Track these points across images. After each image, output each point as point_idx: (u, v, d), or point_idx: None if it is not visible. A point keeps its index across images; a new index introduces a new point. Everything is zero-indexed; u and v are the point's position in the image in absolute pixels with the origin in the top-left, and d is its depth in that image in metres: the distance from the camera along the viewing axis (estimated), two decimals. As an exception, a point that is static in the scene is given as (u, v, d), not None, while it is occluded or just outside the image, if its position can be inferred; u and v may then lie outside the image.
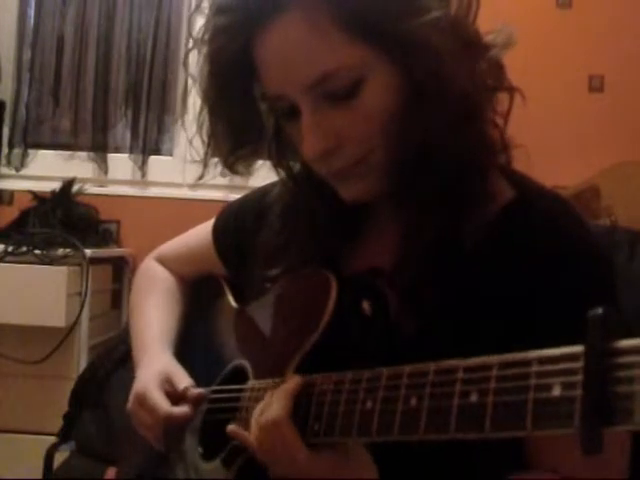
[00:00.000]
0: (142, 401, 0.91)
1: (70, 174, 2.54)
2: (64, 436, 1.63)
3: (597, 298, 0.71)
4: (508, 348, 0.52)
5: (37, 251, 2.10)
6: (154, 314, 1.06)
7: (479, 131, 0.75)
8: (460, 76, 0.70)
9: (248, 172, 0.86)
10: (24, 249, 2.10)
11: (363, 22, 0.68)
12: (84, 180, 2.56)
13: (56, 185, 2.46)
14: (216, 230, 1.04)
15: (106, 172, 2.71)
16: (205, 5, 0.76)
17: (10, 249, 2.10)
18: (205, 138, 0.82)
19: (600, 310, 0.45)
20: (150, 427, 0.91)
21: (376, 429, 0.58)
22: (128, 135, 2.74)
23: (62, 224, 2.32)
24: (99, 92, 2.73)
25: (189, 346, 1.02)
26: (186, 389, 0.90)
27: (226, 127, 0.80)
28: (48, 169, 2.70)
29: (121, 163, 2.72)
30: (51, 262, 2.08)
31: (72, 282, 2.07)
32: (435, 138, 0.71)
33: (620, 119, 2.51)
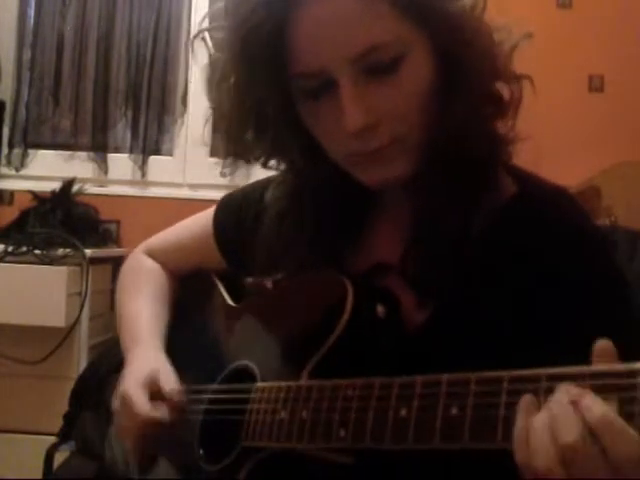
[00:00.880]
0: (124, 401, 0.87)
1: (70, 174, 2.54)
2: (64, 436, 1.64)
3: (603, 283, 0.73)
4: (518, 338, 0.52)
5: (37, 251, 2.10)
6: (144, 305, 1.03)
7: (498, 118, 0.76)
8: (489, 60, 0.73)
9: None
10: (24, 249, 2.10)
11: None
12: (84, 180, 2.56)
13: (56, 185, 2.46)
14: (217, 222, 1.02)
15: (106, 172, 2.71)
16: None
17: (10, 249, 2.10)
18: (228, 129, 0.83)
19: None
20: (129, 431, 0.87)
21: (413, 437, 0.57)
22: (128, 135, 2.73)
23: (62, 224, 2.32)
24: (99, 92, 2.73)
25: (179, 343, 0.99)
26: (172, 391, 0.86)
27: (252, 114, 0.79)
28: (48, 169, 2.70)
29: (121, 163, 2.71)
30: (51, 262, 2.08)
31: (72, 282, 2.06)
32: (467, 120, 0.72)
33: (620, 119, 2.51)
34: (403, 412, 0.58)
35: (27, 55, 2.76)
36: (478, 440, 0.52)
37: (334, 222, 0.82)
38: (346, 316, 0.71)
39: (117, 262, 2.50)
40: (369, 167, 0.75)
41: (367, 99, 0.71)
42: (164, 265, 1.08)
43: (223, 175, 2.66)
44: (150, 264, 1.09)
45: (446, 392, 0.55)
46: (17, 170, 2.72)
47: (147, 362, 0.92)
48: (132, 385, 0.87)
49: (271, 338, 0.83)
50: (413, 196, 0.79)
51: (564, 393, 0.50)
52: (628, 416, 0.45)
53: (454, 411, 0.54)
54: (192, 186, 2.71)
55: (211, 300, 0.99)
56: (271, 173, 0.93)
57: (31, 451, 1.89)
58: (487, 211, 0.75)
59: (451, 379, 0.56)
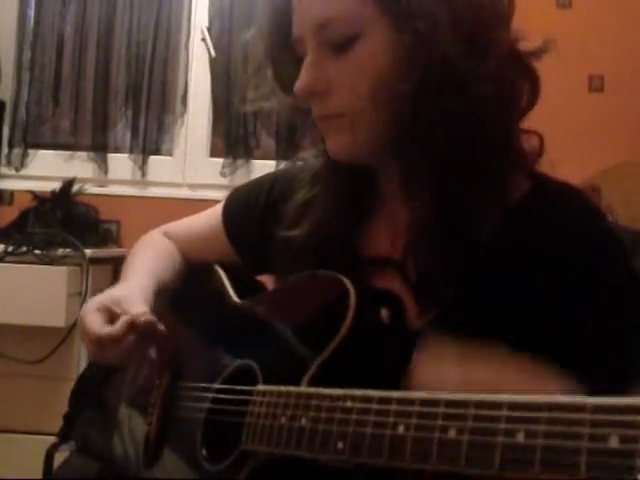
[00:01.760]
0: (81, 323, 0.91)
1: (70, 174, 2.54)
2: (64, 436, 1.63)
3: (615, 276, 0.73)
4: (525, 338, 0.51)
5: (37, 251, 2.10)
6: (150, 257, 1.04)
7: (471, 110, 0.73)
8: (454, 55, 0.71)
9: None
10: (24, 249, 2.10)
11: None
12: (84, 180, 2.56)
13: (56, 185, 2.46)
14: (226, 211, 1.03)
15: (106, 172, 2.71)
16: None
17: (10, 249, 2.10)
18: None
19: None
20: (90, 352, 0.91)
21: (410, 457, 0.56)
22: (128, 135, 2.73)
23: (62, 224, 2.32)
24: (99, 92, 2.73)
25: (181, 333, 0.98)
26: (129, 313, 0.87)
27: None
28: (48, 169, 2.70)
29: (121, 163, 2.72)
30: (51, 262, 2.08)
31: (72, 282, 2.07)
32: (419, 107, 0.73)
33: (620, 119, 2.51)
34: (400, 429, 0.57)
35: (27, 55, 2.76)
36: (474, 466, 0.51)
37: (347, 208, 0.84)
38: (350, 319, 0.70)
39: (117, 262, 2.50)
40: (326, 134, 0.80)
41: (320, 68, 0.76)
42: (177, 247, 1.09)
43: (223, 175, 2.67)
44: (164, 239, 1.10)
45: (444, 413, 0.55)
46: (17, 170, 2.72)
47: (117, 289, 0.94)
48: (88, 307, 0.91)
49: (273, 339, 0.82)
50: (406, 194, 0.80)
51: None
52: (630, 454, 0.44)
53: (452, 434, 0.53)
54: (192, 186, 2.71)
55: (216, 294, 0.98)
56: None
57: (31, 451, 1.89)
58: (497, 210, 0.74)
59: (449, 400, 0.56)
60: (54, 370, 2.10)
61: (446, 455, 0.52)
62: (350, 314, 0.70)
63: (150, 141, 2.72)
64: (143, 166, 2.70)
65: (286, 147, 2.60)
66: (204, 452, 0.83)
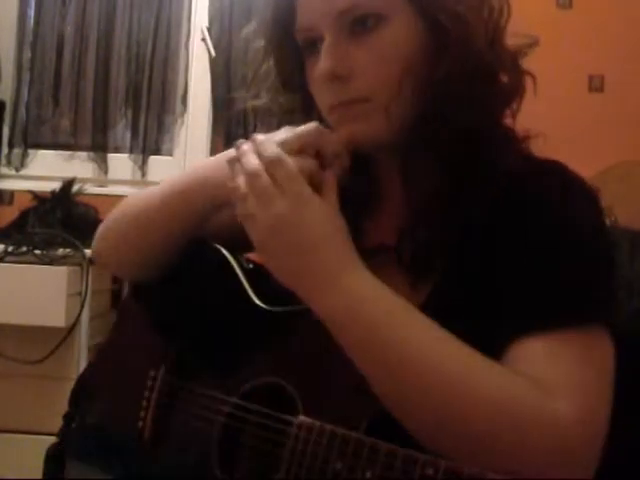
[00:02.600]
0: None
1: (70, 174, 2.54)
2: (64, 436, 1.63)
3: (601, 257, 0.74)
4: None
5: (37, 251, 2.09)
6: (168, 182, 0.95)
7: (490, 98, 0.77)
8: (480, 41, 0.73)
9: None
10: (24, 249, 2.10)
11: None
12: (84, 180, 2.55)
13: (56, 185, 2.45)
14: None
15: (106, 172, 2.71)
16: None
17: (10, 249, 2.10)
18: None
19: None
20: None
21: None
22: (128, 135, 2.73)
23: (62, 224, 2.31)
24: (99, 92, 2.73)
25: (192, 330, 0.90)
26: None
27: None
28: (48, 169, 2.70)
29: (121, 163, 2.72)
30: (51, 262, 2.07)
31: (72, 282, 2.06)
32: (447, 95, 0.73)
33: (620, 119, 2.50)
34: None
35: (27, 55, 2.76)
36: None
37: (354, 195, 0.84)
38: None
39: (117, 262, 2.50)
40: (343, 122, 0.78)
41: (342, 51, 0.76)
42: None
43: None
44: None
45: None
46: (17, 170, 2.72)
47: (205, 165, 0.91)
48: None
49: (312, 361, 0.73)
50: (405, 182, 0.81)
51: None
52: None
53: None
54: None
55: (231, 288, 0.87)
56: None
57: (31, 451, 1.89)
58: (488, 190, 0.75)
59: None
60: (54, 370, 2.09)
61: None
62: None
63: (150, 141, 2.72)
64: (143, 166, 2.70)
65: (286, 147, 2.59)
66: (219, 472, 0.76)
